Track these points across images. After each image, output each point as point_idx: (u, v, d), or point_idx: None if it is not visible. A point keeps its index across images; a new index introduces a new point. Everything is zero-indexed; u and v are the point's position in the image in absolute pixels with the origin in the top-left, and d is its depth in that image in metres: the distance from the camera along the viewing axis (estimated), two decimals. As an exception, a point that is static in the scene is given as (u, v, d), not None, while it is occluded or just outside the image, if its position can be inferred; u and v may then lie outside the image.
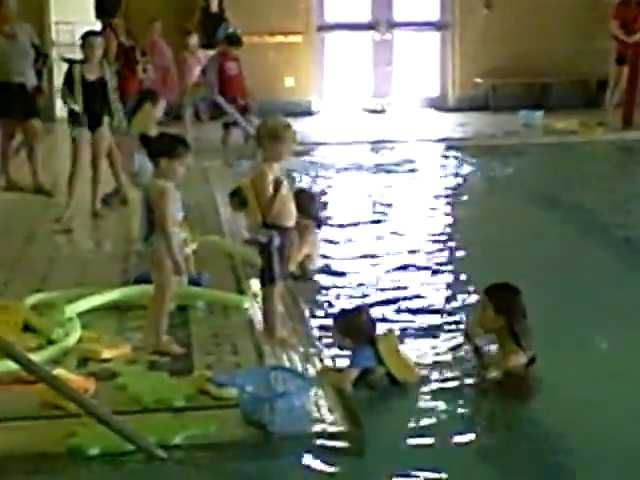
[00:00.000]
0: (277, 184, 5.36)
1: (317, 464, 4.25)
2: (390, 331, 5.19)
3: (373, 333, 5.09)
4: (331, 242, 7.80)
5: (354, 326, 5.07)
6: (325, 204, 8.76)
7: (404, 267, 7.25)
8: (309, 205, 6.90)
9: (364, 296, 6.54)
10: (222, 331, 5.67)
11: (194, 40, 13.40)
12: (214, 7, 14.14)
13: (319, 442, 4.35)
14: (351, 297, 6.51)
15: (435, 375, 5.14)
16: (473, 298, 6.21)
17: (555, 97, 15.42)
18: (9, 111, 9.66)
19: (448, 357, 5.38)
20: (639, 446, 4.36)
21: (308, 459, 4.30)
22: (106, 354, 5.22)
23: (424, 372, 5.12)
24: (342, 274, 7.03)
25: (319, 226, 7.28)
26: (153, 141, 5.68)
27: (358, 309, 5.41)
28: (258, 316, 5.83)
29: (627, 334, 5.69)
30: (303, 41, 15.48)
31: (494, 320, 5.09)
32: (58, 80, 14.24)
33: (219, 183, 10.22)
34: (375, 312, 5.71)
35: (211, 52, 12.93)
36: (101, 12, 9.73)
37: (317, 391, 4.69)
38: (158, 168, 5.30)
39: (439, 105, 16.04)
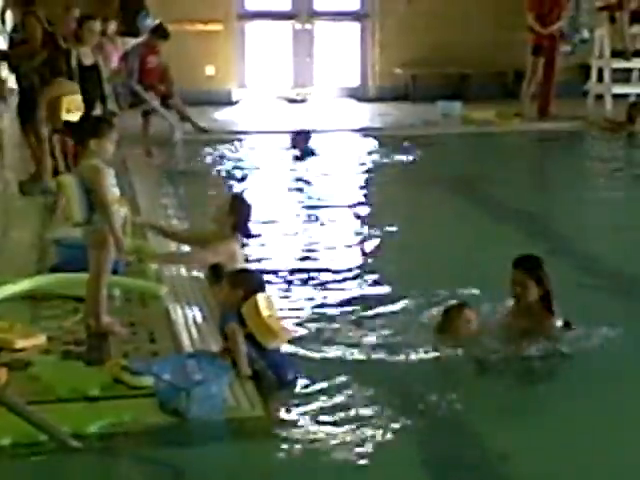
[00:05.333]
0: None
1: (233, 449, 4.26)
2: (254, 296, 4.91)
3: (262, 288, 5.03)
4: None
5: (245, 276, 5.06)
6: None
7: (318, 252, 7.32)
8: (242, 214, 6.53)
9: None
10: (139, 319, 5.63)
11: (112, 27, 13.22)
12: (133, -6, 13.98)
13: (235, 427, 4.36)
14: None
15: (345, 355, 5.22)
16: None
17: (473, 88, 15.60)
18: None
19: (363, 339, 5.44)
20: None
21: (225, 445, 4.31)
22: (20, 344, 5.14)
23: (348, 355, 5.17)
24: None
25: (247, 236, 6.62)
26: (77, 125, 5.71)
27: (244, 269, 5.50)
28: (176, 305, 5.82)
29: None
30: (223, 30, 15.40)
31: (535, 292, 5.27)
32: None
33: (138, 172, 10.13)
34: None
35: (130, 40, 12.79)
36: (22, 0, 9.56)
37: (233, 377, 4.68)
38: (87, 149, 5.33)
39: (359, 95, 16.11)
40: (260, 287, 5.04)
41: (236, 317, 4.85)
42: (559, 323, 5.33)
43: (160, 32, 12.17)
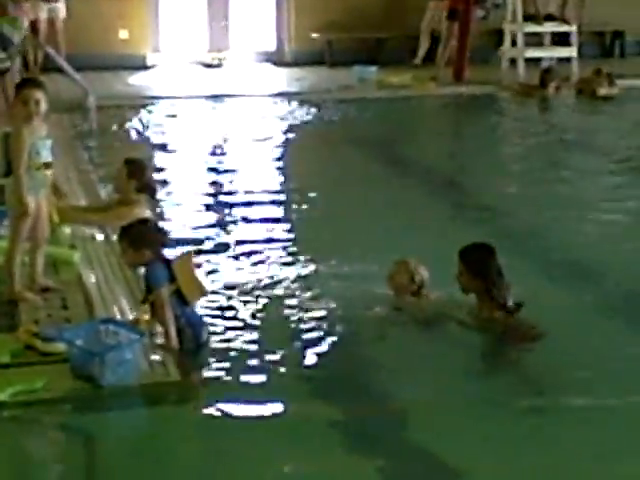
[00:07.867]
0: None
1: (148, 415, 4.24)
2: (186, 252, 5.05)
3: (165, 240, 4.97)
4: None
5: (146, 234, 4.91)
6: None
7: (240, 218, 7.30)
8: (141, 175, 6.48)
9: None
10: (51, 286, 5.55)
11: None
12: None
13: (150, 393, 4.34)
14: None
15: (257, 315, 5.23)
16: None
17: (389, 52, 15.63)
18: None
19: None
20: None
21: (139, 410, 4.29)
22: None
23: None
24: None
25: (153, 196, 6.74)
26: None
27: (143, 219, 5.36)
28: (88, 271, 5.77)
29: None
30: (137, -8, 15.15)
31: (472, 284, 5.16)
32: None
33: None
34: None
35: (42, 4, 12.57)
36: None
37: (147, 342, 4.66)
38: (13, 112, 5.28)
39: (276, 60, 16.02)
40: (164, 241, 4.95)
41: (166, 273, 4.76)
42: (500, 314, 5.10)
43: None
